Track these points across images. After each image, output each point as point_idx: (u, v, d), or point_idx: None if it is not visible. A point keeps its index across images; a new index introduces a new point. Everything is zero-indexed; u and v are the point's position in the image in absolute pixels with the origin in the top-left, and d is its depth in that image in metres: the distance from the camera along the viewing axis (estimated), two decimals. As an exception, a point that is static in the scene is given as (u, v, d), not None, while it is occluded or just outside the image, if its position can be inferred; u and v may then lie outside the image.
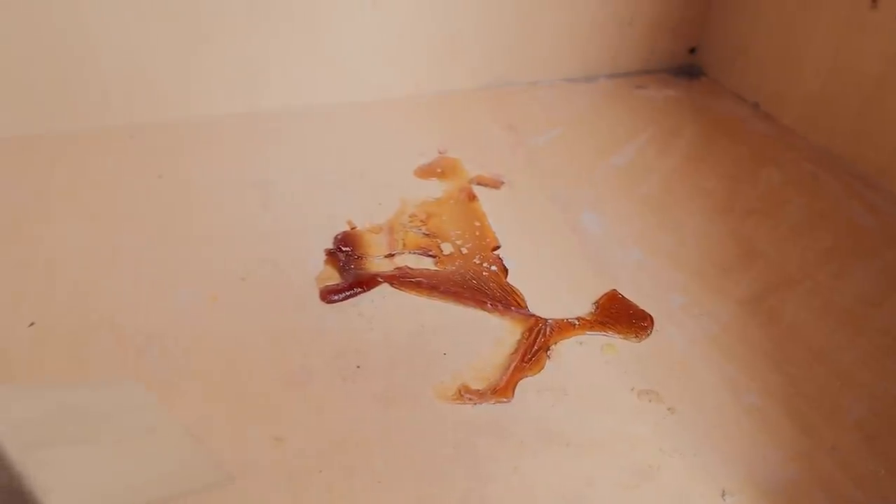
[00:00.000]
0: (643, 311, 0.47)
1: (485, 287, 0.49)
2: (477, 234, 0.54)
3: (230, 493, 0.34)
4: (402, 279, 0.49)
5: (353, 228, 0.54)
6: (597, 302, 0.48)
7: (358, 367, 0.42)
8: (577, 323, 0.46)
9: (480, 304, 0.47)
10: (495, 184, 0.62)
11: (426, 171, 0.63)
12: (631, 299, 0.48)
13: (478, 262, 0.51)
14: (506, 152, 0.67)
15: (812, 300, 0.49)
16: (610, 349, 0.44)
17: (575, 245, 0.54)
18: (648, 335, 0.46)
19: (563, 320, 0.46)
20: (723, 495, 0.36)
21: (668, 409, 0.41)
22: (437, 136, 0.69)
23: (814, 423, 0.40)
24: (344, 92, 0.74)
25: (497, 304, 0.47)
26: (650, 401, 0.41)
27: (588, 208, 0.59)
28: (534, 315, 0.47)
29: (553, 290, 0.49)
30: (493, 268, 0.51)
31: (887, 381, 0.43)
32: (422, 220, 0.55)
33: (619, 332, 0.45)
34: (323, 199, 0.58)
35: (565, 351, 0.44)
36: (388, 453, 0.37)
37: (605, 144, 0.70)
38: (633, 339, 0.45)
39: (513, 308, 0.47)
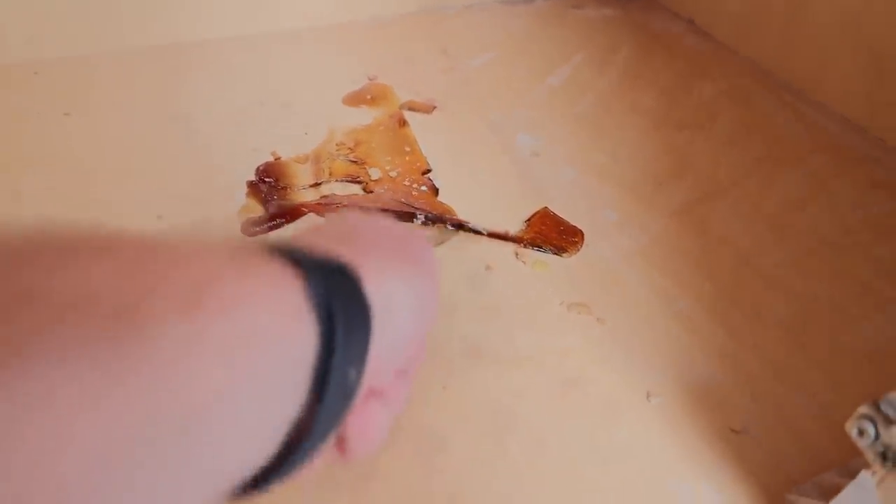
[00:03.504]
0: (574, 226, 0.47)
1: (414, 205, 0.47)
2: (407, 158, 0.53)
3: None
4: (328, 206, 0.47)
5: (277, 159, 0.52)
6: (528, 220, 0.47)
7: (284, 297, 0.41)
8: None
9: (409, 217, 0.46)
10: (427, 109, 0.60)
11: (355, 99, 0.61)
12: (564, 216, 0.48)
13: (407, 184, 0.50)
14: (439, 77, 0.65)
15: (740, 208, 0.49)
16: (540, 265, 0.44)
17: (508, 166, 0.53)
18: (579, 250, 0.45)
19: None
20: (648, 397, 0.36)
21: (598, 320, 0.41)
22: (367, 62, 0.66)
23: (739, 324, 0.41)
24: (268, 21, 0.70)
25: (426, 212, 0.46)
26: (579, 313, 0.41)
27: (522, 130, 0.58)
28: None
29: (485, 211, 0.48)
30: (424, 188, 0.49)
31: (808, 280, 0.44)
32: (349, 148, 0.53)
33: (548, 248, 0.45)
34: (246, 132, 0.55)
35: (495, 268, 0.44)
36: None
37: (541, 65, 0.68)
38: (564, 255, 0.45)
39: (445, 216, 0.46)
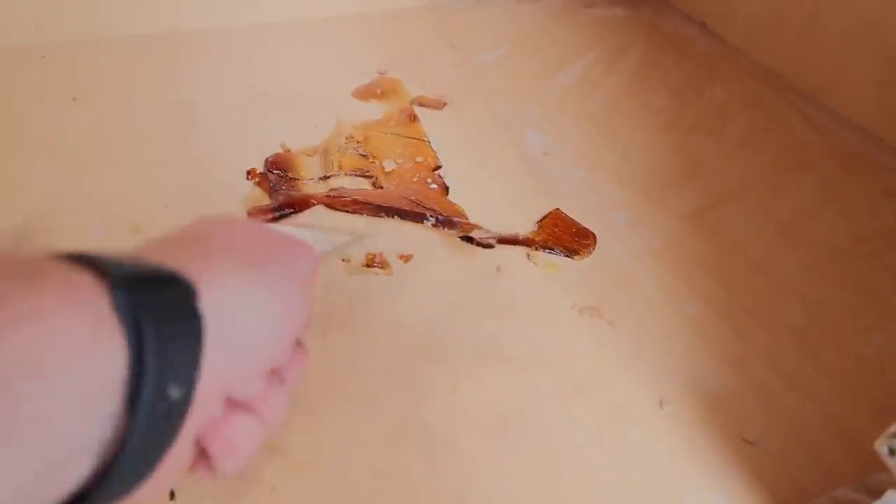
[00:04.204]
0: (586, 229, 0.46)
1: (424, 204, 0.47)
2: (418, 158, 0.52)
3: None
4: (337, 199, 0.46)
5: (287, 151, 0.51)
6: (540, 221, 0.47)
7: (291, 292, 0.40)
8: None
9: (420, 218, 0.46)
10: (437, 104, 0.59)
11: (365, 93, 0.60)
12: (575, 217, 0.47)
13: (417, 180, 0.49)
14: (449, 72, 0.64)
15: (752, 213, 0.49)
16: (551, 267, 0.43)
17: (518, 164, 0.53)
18: (591, 253, 0.45)
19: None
20: (661, 404, 0.36)
21: (609, 323, 0.40)
22: (378, 56, 0.66)
23: (751, 330, 0.40)
24: (279, 11, 0.69)
25: (437, 214, 0.46)
26: (591, 316, 0.40)
27: (533, 127, 0.57)
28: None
29: (496, 210, 0.48)
30: (434, 186, 0.49)
31: (821, 288, 0.43)
32: (358, 142, 0.53)
33: (561, 250, 0.45)
34: (254, 122, 0.55)
35: (506, 270, 0.43)
36: (323, 379, 0.36)
37: (552, 63, 0.67)
38: (576, 258, 0.44)
39: (455, 219, 0.46)
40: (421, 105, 0.59)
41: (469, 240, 0.44)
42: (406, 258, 0.43)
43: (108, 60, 0.60)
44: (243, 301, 0.20)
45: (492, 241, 0.44)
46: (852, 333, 0.41)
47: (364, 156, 0.51)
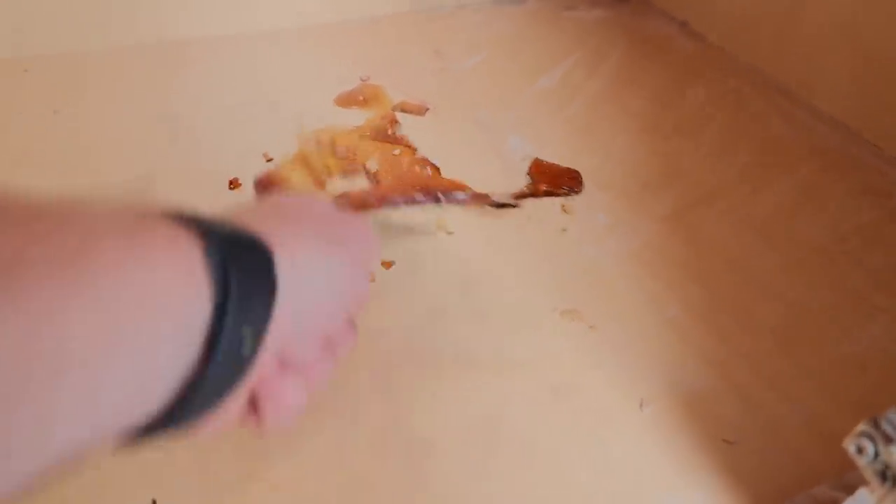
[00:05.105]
0: (567, 168, 0.52)
1: (434, 187, 0.49)
2: (393, 147, 0.53)
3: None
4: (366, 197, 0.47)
5: (270, 171, 0.51)
6: (528, 173, 0.51)
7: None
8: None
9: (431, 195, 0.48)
10: (419, 110, 0.59)
11: (347, 100, 0.60)
12: (556, 221, 0.48)
13: (407, 169, 0.51)
14: (430, 78, 0.65)
15: (731, 214, 0.49)
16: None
17: (499, 169, 0.53)
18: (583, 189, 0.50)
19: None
20: (641, 406, 0.36)
21: (590, 326, 0.40)
22: (359, 63, 0.66)
23: (730, 331, 0.41)
24: (260, 19, 0.69)
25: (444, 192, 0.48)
26: (572, 320, 0.41)
27: (513, 132, 0.57)
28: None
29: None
30: (428, 169, 0.50)
31: (799, 288, 0.44)
32: (328, 145, 0.53)
33: (564, 190, 0.50)
34: (236, 132, 0.55)
35: (489, 272, 0.43)
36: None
37: (533, 67, 0.67)
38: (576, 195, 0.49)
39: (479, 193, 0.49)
40: (403, 111, 0.59)
41: (503, 205, 0.48)
42: (387, 265, 0.43)
43: (89, 72, 0.61)
44: (313, 266, 0.22)
45: (515, 202, 0.48)
46: (831, 333, 0.41)
47: (343, 158, 0.51)
